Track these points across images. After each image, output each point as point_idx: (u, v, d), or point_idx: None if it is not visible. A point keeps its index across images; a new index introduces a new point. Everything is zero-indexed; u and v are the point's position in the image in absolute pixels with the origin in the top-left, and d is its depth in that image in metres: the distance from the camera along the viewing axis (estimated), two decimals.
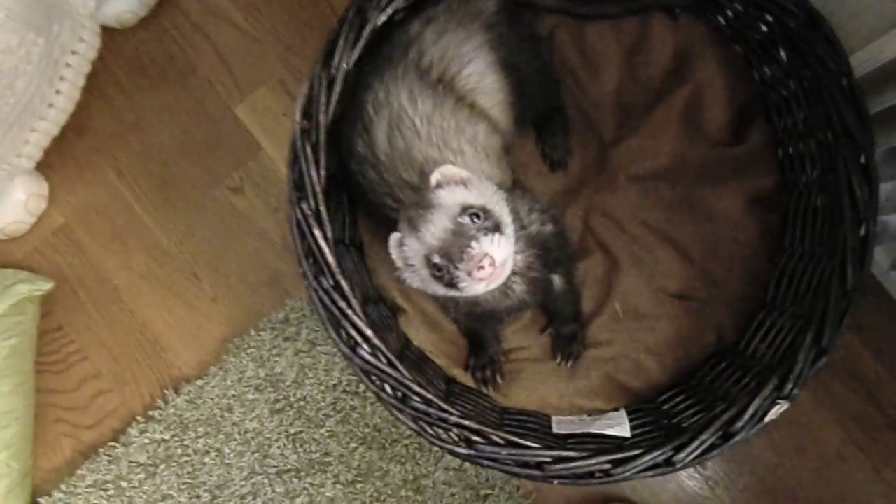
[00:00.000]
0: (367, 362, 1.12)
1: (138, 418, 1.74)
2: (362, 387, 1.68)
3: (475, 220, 1.03)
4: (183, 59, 1.88)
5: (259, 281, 1.78)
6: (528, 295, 1.28)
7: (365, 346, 1.12)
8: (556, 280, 1.38)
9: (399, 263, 1.12)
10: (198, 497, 1.70)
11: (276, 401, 1.71)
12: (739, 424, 1.10)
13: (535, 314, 1.54)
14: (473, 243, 1.00)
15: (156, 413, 1.74)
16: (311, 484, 1.67)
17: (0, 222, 1.77)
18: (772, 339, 1.32)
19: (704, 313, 1.45)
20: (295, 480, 1.67)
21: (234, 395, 1.72)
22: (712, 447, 1.11)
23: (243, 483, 1.69)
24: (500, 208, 1.10)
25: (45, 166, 1.82)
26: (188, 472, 1.71)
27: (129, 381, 1.79)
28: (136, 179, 1.85)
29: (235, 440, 1.71)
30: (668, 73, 1.52)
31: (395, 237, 1.12)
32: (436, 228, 1.04)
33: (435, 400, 1.12)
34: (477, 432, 1.13)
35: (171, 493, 1.70)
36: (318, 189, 1.12)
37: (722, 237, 1.47)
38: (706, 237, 1.48)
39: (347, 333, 1.12)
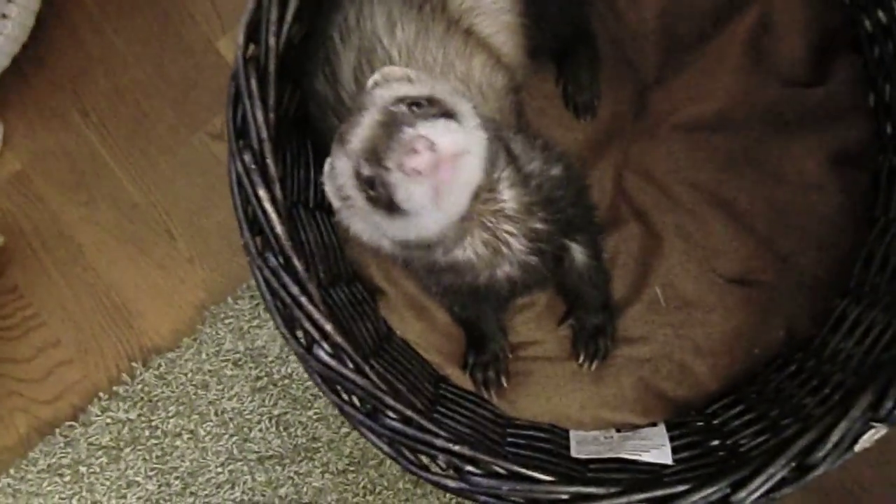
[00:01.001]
0: (326, 366, 0.88)
1: (101, 394, 1.55)
2: None
3: (414, 109, 0.80)
4: None
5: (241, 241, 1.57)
6: (534, 258, 0.99)
7: (324, 344, 0.88)
8: (576, 251, 1.11)
9: (336, 201, 0.88)
10: (168, 485, 1.50)
11: (258, 378, 1.52)
12: (820, 454, 0.82)
13: (551, 300, 1.27)
14: (405, 127, 0.76)
15: (121, 389, 1.54)
16: (297, 472, 1.48)
17: None
18: (859, 336, 1.06)
19: (770, 301, 1.19)
20: (278, 468, 1.48)
21: (209, 371, 1.53)
22: (783, 482, 0.84)
23: (220, 470, 1.50)
24: (457, 101, 0.85)
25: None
26: (157, 457, 1.52)
27: (93, 351, 1.60)
28: (104, 121, 1.66)
29: (211, 421, 1.52)
30: None
31: (327, 164, 0.88)
32: (362, 129, 0.80)
33: (415, 417, 0.87)
34: (471, 460, 0.88)
35: (137, 479, 1.51)
36: (264, 135, 0.87)
37: (795, 203, 1.20)
38: (774, 203, 1.20)
39: (302, 327, 0.88)
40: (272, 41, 0.93)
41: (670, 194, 1.26)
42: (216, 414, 1.51)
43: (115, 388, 1.54)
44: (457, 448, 0.88)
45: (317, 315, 0.87)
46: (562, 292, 1.24)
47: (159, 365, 1.54)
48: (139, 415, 1.52)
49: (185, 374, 1.53)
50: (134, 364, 1.55)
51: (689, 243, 1.23)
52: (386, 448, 0.91)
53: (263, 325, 1.52)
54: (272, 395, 1.50)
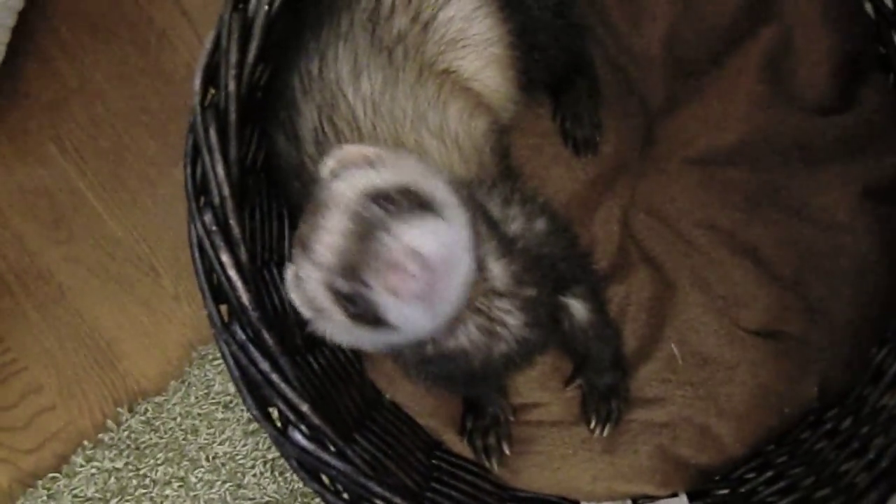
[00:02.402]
0: (304, 450, 0.79)
1: (85, 443, 1.47)
2: None
3: (388, 207, 0.70)
4: (135, 10, 1.59)
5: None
6: (532, 330, 0.89)
7: (300, 426, 0.80)
8: (575, 307, 1.02)
9: (307, 312, 0.78)
10: None
11: (250, 420, 1.44)
12: None
13: (556, 358, 1.16)
14: (383, 235, 0.66)
15: (106, 436, 1.47)
16: None
17: None
18: None
19: (801, 355, 1.09)
20: None
21: (199, 415, 1.46)
22: None
23: None
24: (430, 184, 0.75)
25: None
26: None
27: (76, 396, 1.52)
28: (82, 155, 1.59)
29: (202, 467, 1.44)
30: (741, 10, 1.17)
31: (290, 273, 0.77)
32: (331, 238, 0.70)
33: None
34: None
35: None
36: (226, 192, 0.80)
37: (823, 245, 1.10)
38: (800, 246, 1.10)
39: (276, 407, 0.80)
40: (232, 85, 0.85)
41: (684, 237, 1.15)
42: (207, 459, 1.44)
43: (100, 435, 1.47)
44: None
45: (290, 394, 0.79)
46: (567, 351, 1.14)
47: (146, 410, 1.46)
48: (126, 463, 1.45)
49: (174, 419, 1.45)
50: (119, 409, 1.48)
51: (707, 293, 1.12)
52: None
53: None
54: (265, 438, 1.42)
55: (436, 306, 0.69)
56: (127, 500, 1.43)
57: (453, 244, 0.69)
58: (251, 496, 1.42)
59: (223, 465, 1.44)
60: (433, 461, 1.10)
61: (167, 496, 1.43)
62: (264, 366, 0.80)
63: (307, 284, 0.74)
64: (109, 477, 1.44)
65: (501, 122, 1.08)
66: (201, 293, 0.85)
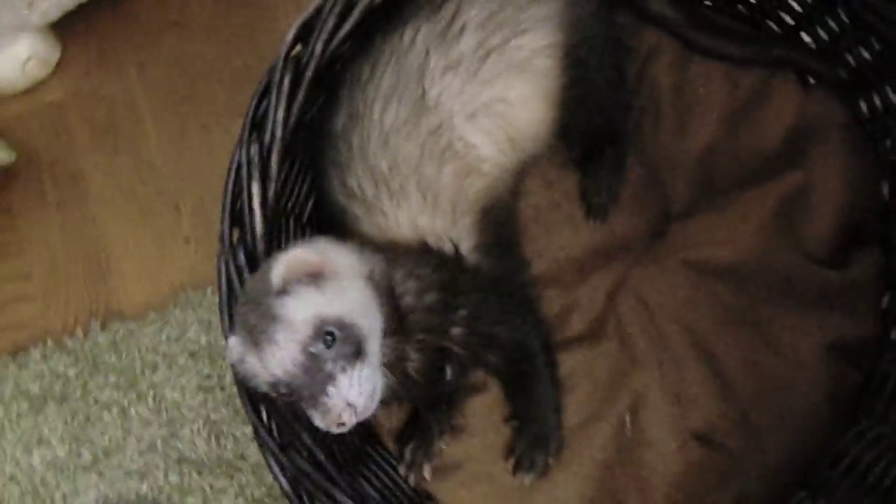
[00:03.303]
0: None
1: (49, 341, 1.48)
2: None
3: (330, 343, 0.84)
4: None
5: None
6: (435, 372, 1.02)
7: None
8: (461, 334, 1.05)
9: (239, 374, 0.89)
10: (78, 455, 1.41)
11: (208, 376, 1.44)
12: None
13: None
14: (330, 389, 0.82)
15: (70, 342, 1.47)
16: (212, 486, 1.38)
17: None
18: None
19: (727, 468, 1.11)
20: (195, 475, 1.38)
21: (164, 354, 1.46)
22: None
23: (136, 457, 1.41)
24: (359, 313, 0.88)
25: (63, 32, 1.64)
26: (79, 423, 1.43)
27: (59, 296, 1.54)
28: (156, 83, 1.65)
29: (146, 404, 1.43)
30: (776, 151, 1.23)
31: (233, 344, 0.87)
32: (282, 356, 0.83)
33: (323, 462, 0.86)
34: None
35: (50, 439, 1.42)
36: (278, 133, 0.87)
37: (781, 378, 1.14)
38: (761, 372, 1.14)
39: None
40: (319, 48, 0.91)
41: (660, 329, 1.19)
42: (154, 399, 1.43)
43: (65, 339, 1.48)
44: None
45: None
46: (505, 392, 1.15)
47: (117, 330, 1.47)
48: (77, 374, 1.45)
49: (139, 350, 1.45)
50: (93, 322, 1.49)
51: (665, 381, 1.16)
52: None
53: None
54: (216, 398, 1.42)
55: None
56: (63, 410, 1.43)
57: (374, 387, 0.85)
58: (179, 448, 1.40)
59: (166, 409, 1.42)
60: (366, 448, 1.11)
61: (102, 419, 1.42)
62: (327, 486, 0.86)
63: (249, 365, 0.86)
64: (57, 381, 1.45)
65: (502, 187, 1.11)
66: (221, 212, 0.88)
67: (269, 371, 0.84)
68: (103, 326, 1.48)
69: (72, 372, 1.45)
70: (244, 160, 0.87)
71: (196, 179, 1.58)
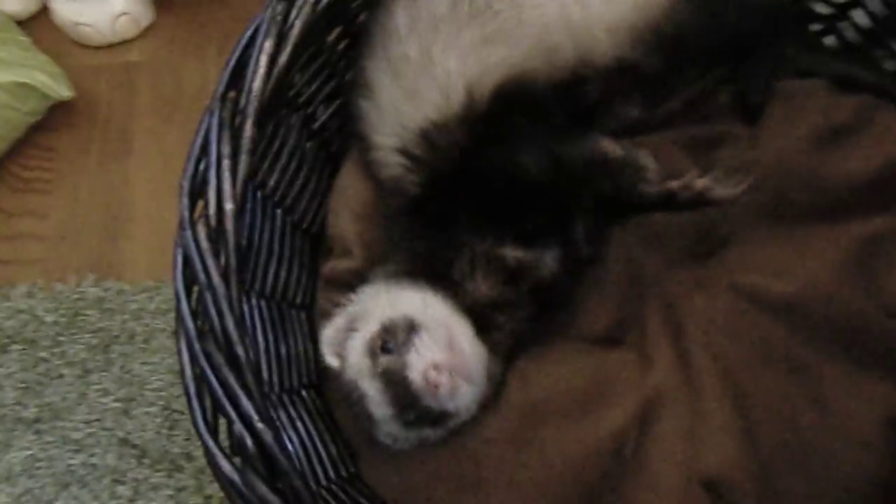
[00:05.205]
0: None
1: (39, 282, 1.40)
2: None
3: (387, 347, 0.84)
4: None
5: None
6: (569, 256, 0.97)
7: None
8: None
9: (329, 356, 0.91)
10: (24, 406, 1.32)
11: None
12: None
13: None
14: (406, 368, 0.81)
15: (58, 287, 1.39)
16: (147, 479, 1.25)
17: (81, 17, 1.58)
18: None
19: None
20: (133, 462, 1.26)
21: (145, 325, 1.37)
22: None
23: (81, 425, 1.30)
24: (402, 305, 0.87)
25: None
26: (37, 373, 1.34)
27: (67, 243, 1.49)
28: None
29: (110, 374, 1.33)
30: (868, 184, 1.01)
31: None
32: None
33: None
34: None
35: (2, 382, 1.32)
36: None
37: (821, 442, 0.90)
38: (796, 429, 0.91)
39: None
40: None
41: (685, 350, 0.99)
42: (120, 369, 1.32)
43: (55, 284, 1.40)
44: None
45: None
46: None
47: (108, 289, 1.39)
48: (54, 322, 1.37)
49: (122, 314, 1.37)
50: (90, 275, 1.42)
51: (679, 411, 0.95)
52: None
53: None
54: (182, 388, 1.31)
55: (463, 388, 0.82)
56: (25, 353, 1.34)
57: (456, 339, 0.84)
58: (129, 429, 1.28)
59: (128, 384, 1.31)
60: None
61: (61, 374, 1.32)
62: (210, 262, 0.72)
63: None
64: (31, 323, 1.37)
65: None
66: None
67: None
68: (96, 284, 1.41)
69: (49, 319, 1.37)
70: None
71: None
